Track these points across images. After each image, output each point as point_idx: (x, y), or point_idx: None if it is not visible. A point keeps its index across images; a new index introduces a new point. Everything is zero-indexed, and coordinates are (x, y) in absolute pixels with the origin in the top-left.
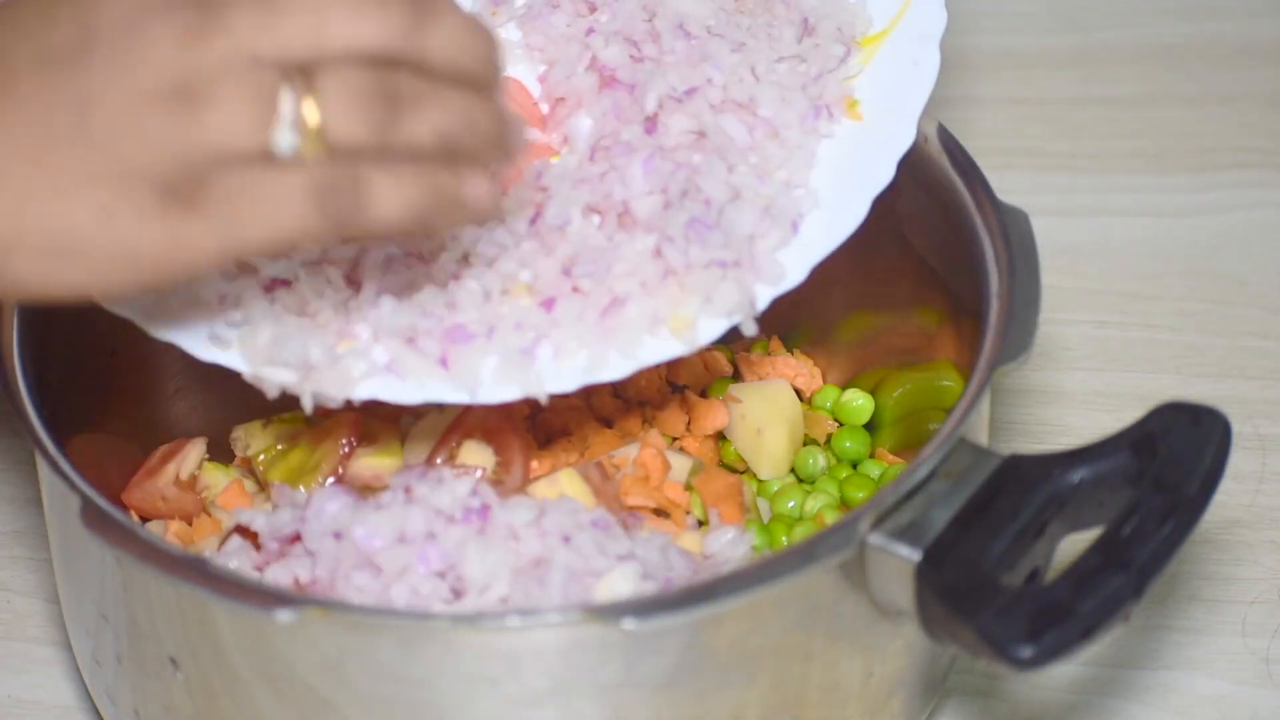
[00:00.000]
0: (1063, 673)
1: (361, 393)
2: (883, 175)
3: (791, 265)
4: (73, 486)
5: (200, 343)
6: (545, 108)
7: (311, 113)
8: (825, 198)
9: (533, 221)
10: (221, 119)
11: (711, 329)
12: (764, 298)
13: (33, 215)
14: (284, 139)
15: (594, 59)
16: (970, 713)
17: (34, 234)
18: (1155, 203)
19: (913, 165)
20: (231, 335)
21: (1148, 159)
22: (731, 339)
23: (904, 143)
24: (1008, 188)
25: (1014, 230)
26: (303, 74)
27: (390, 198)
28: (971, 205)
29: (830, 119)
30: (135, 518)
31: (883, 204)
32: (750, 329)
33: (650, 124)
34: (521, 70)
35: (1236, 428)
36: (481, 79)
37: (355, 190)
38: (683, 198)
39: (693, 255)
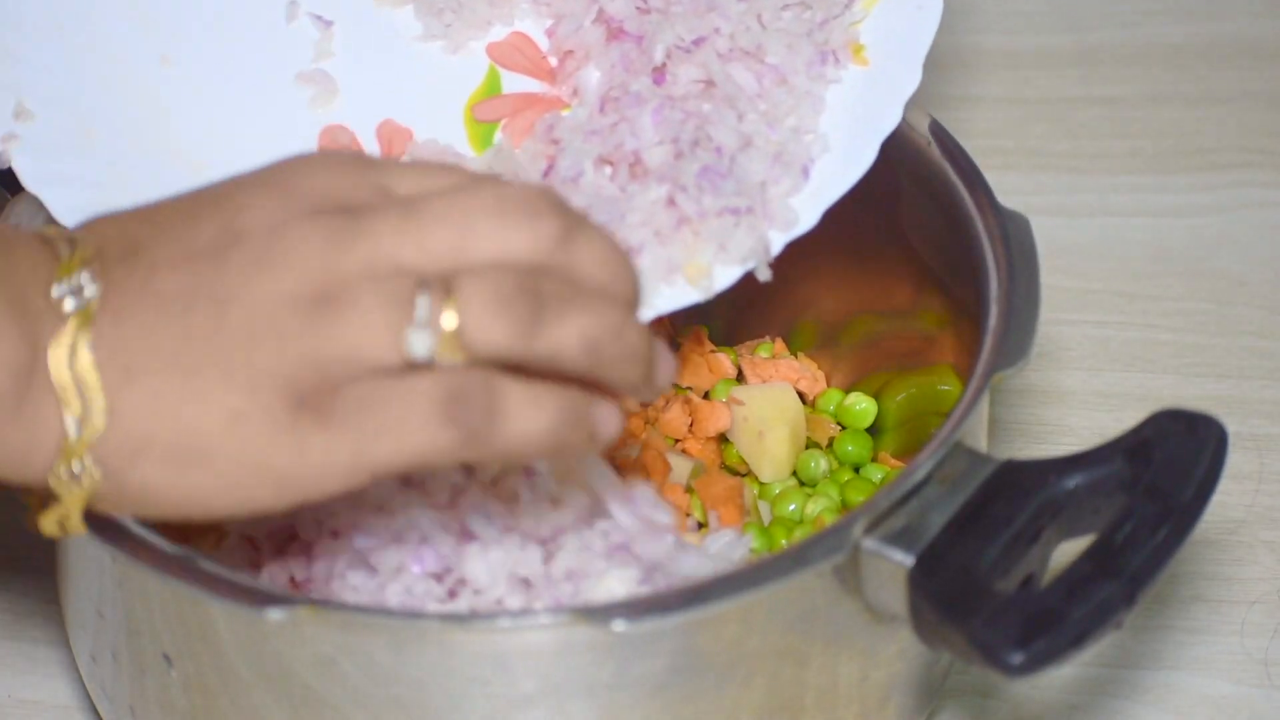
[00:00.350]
0: (1063, 673)
1: None
2: (889, 118)
3: (803, 210)
4: None
5: None
6: (554, 61)
7: (450, 318)
8: (834, 142)
9: (545, 174)
10: (357, 324)
11: (727, 276)
12: (777, 243)
13: (164, 417)
14: (419, 342)
15: (601, 11)
16: (971, 713)
17: (164, 436)
18: (1155, 203)
19: (914, 168)
20: None
21: (1148, 159)
22: (737, 340)
23: (909, 86)
24: (1008, 188)
25: (1014, 235)
26: (442, 282)
27: (526, 414)
28: (973, 209)
29: (837, 65)
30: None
31: (885, 207)
32: (764, 274)
33: (659, 74)
34: (529, 25)
35: (1236, 428)
36: (626, 299)
37: (488, 405)
38: (694, 147)
39: (705, 203)
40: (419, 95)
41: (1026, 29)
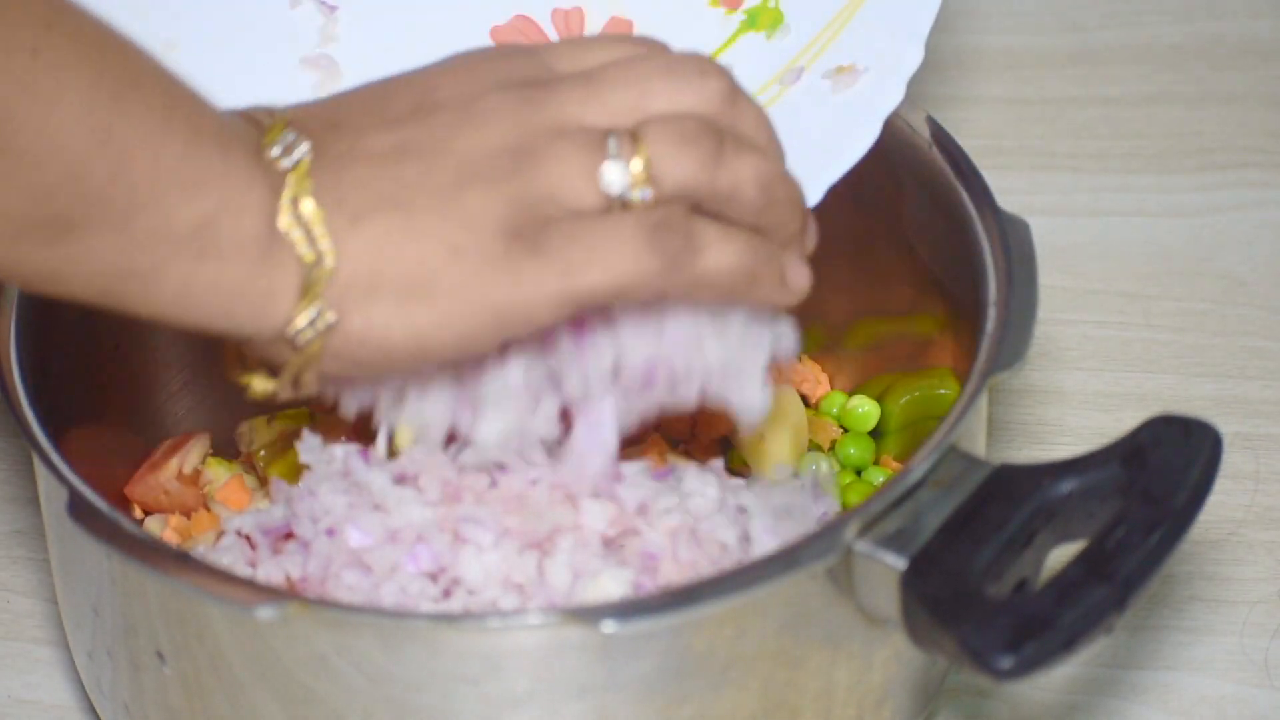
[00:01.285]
0: (1062, 673)
1: None
2: (892, 96)
3: (807, 188)
4: (61, 479)
5: None
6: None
7: (638, 161)
8: (838, 120)
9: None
10: (557, 168)
11: None
12: None
13: (391, 255)
14: (614, 176)
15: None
16: (969, 713)
17: (392, 274)
18: (1155, 203)
19: (916, 171)
20: None
21: (1148, 159)
22: None
23: (912, 63)
24: (1007, 188)
25: (1014, 239)
26: (628, 131)
27: (721, 248)
28: (973, 212)
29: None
30: (138, 512)
31: (886, 209)
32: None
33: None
34: (532, 6)
35: (1235, 428)
36: (780, 157)
37: (688, 234)
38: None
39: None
40: None
41: (1026, 29)
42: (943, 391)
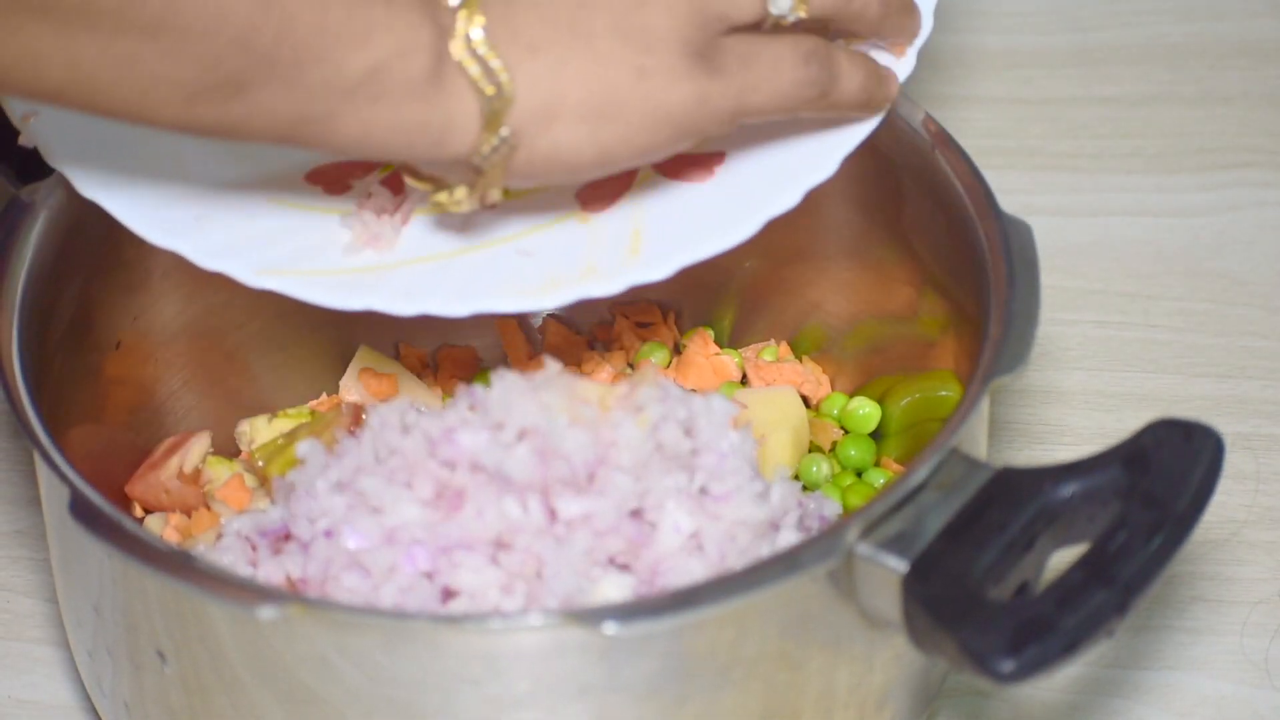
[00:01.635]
0: (1064, 673)
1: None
2: (903, 67)
3: (823, 159)
4: (63, 479)
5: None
6: None
7: None
8: None
9: None
10: None
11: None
12: (799, 192)
13: (573, 80)
14: (784, 2)
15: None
16: (970, 713)
17: (576, 98)
18: (1155, 203)
19: (917, 171)
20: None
21: (1148, 159)
22: (741, 344)
23: (923, 33)
24: (1008, 188)
25: (1016, 242)
26: None
27: (852, 75)
28: (974, 213)
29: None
30: (139, 510)
31: (887, 209)
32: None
33: None
34: None
35: (1236, 428)
36: None
37: (831, 63)
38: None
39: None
40: None
41: (1026, 29)
42: (944, 393)
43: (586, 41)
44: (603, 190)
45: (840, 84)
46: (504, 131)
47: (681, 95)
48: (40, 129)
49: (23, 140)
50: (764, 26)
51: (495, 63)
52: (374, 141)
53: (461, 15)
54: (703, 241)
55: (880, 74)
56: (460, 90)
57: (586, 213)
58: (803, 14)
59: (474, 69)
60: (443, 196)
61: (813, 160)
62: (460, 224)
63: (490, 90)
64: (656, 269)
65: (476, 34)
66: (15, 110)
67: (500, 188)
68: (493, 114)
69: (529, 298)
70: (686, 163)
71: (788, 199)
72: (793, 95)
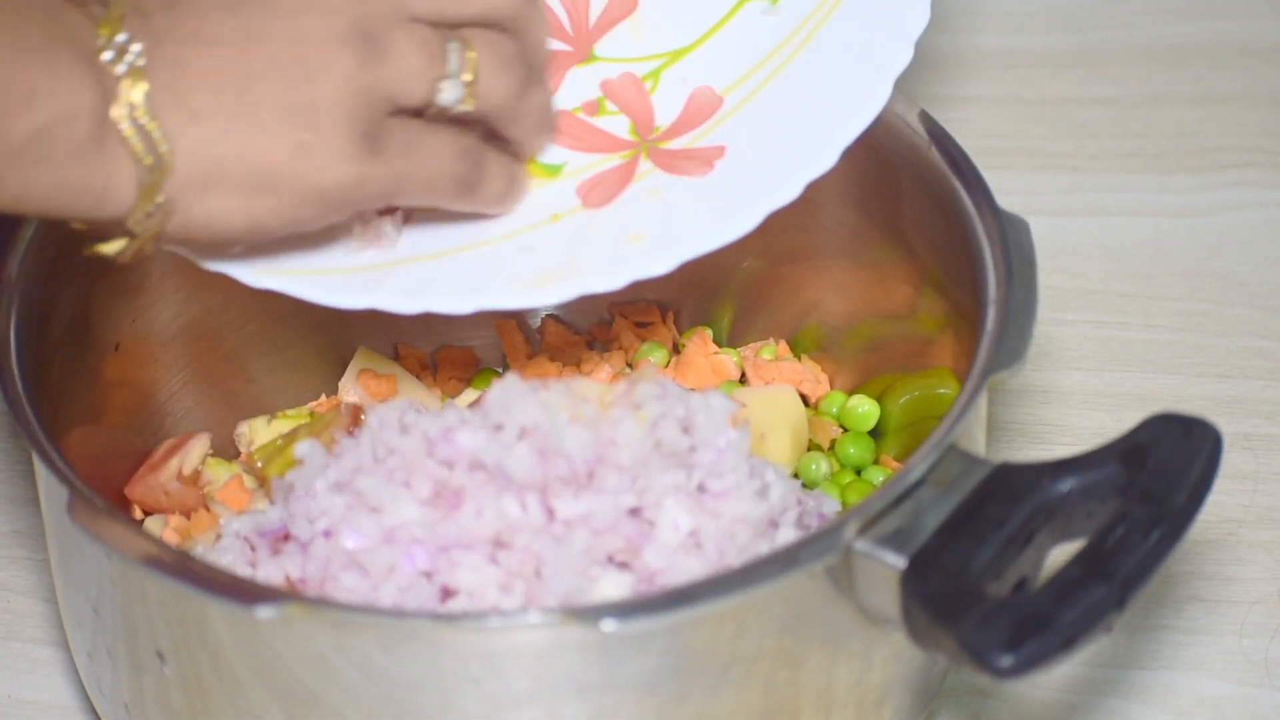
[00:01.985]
0: (1062, 673)
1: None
2: (900, 57)
3: (823, 151)
4: (62, 479)
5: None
6: (564, 17)
7: (468, 73)
8: (845, 79)
9: None
10: (402, 64)
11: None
12: (800, 183)
13: (234, 151)
14: (451, 91)
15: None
16: (970, 713)
17: (235, 170)
18: (1155, 203)
19: (915, 171)
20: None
21: (1148, 159)
22: (740, 342)
23: (919, 24)
24: (1007, 188)
25: (1014, 239)
26: (460, 38)
27: (498, 177)
28: (973, 212)
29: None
30: (138, 511)
31: (886, 209)
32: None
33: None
34: None
35: (1235, 428)
36: (545, 65)
37: (482, 163)
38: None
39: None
40: None
41: (1026, 29)
42: (942, 391)
43: (251, 112)
44: (603, 186)
45: (485, 185)
46: (159, 199)
47: (339, 175)
48: None
49: None
50: (428, 113)
51: (156, 132)
52: (33, 201)
53: (125, 82)
54: (704, 235)
55: (519, 179)
56: (120, 156)
57: (587, 208)
58: (470, 108)
59: (134, 139)
60: (102, 247)
61: (813, 152)
62: (460, 222)
63: (149, 160)
64: (658, 263)
65: (139, 100)
66: None
67: (155, 245)
68: (150, 183)
69: (531, 293)
70: (686, 157)
71: (788, 191)
72: (443, 189)
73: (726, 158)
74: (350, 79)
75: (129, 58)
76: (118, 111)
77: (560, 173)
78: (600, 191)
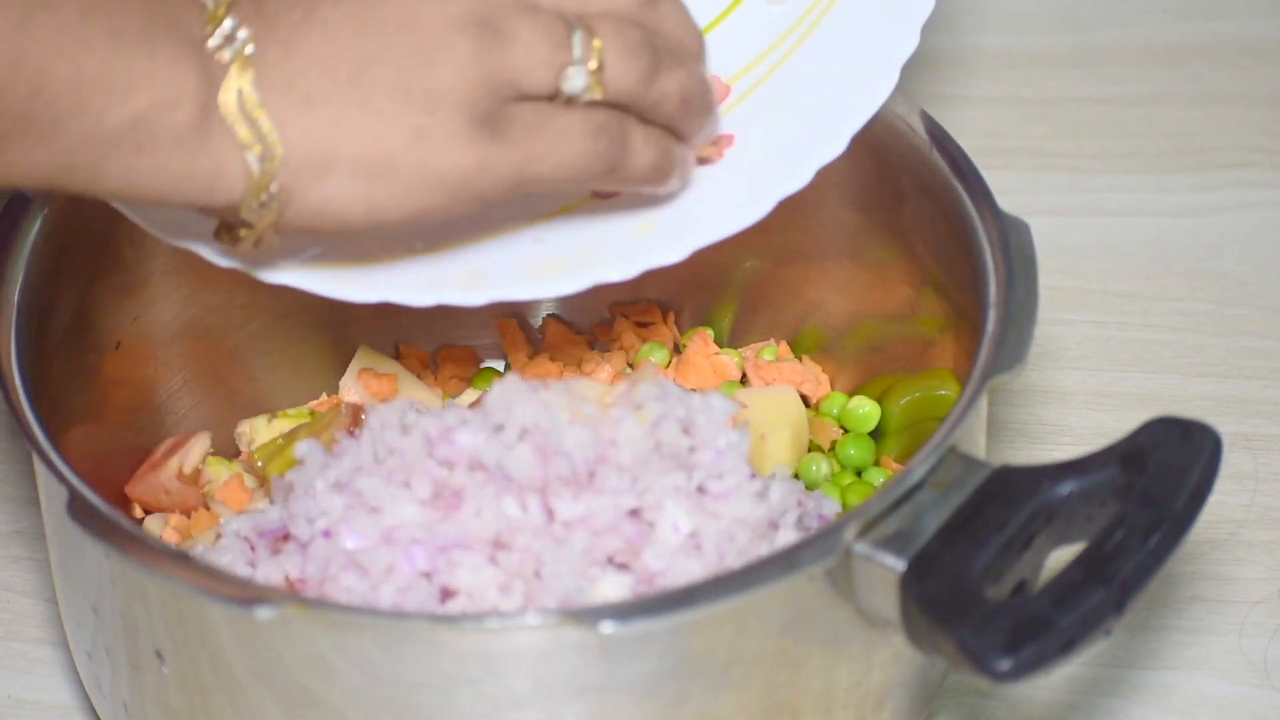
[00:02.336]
0: (1062, 673)
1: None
2: (907, 42)
3: (832, 137)
4: (61, 479)
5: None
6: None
7: (594, 60)
8: (853, 65)
9: None
10: (524, 51)
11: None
12: (809, 172)
13: (348, 136)
14: (577, 78)
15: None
16: (970, 713)
17: (349, 154)
18: (1155, 203)
19: (916, 171)
20: None
21: (1148, 159)
22: (741, 343)
23: (924, 9)
24: (1007, 188)
25: (1015, 241)
26: (585, 25)
27: (645, 152)
28: (973, 213)
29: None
30: (139, 511)
31: (886, 209)
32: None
33: None
34: None
35: (1235, 428)
36: (698, 55)
37: (623, 138)
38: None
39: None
40: None
41: (1026, 29)
42: (943, 392)
43: (366, 97)
44: None
45: (630, 160)
46: (273, 188)
47: (460, 160)
48: None
49: None
50: (558, 100)
51: (264, 121)
52: (140, 190)
53: (234, 68)
54: (716, 223)
55: (674, 153)
56: (227, 144)
57: (597, 199)
58: (598, 95)
59: (240, 126)
60: (224, 236)
61: (822, 138)
62: (471, 215)
63: (258, 150)
64: (671, 252)
65: (247, 87)
66: None
67: (275, 234)
68: (262, 172)
69: (545, 284)
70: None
71: (800, 178)
72: (580, 167)
73: (736, 146)
74: (469, 65)
75: (236, 44)
76: (224, 98)
77: None
78: None
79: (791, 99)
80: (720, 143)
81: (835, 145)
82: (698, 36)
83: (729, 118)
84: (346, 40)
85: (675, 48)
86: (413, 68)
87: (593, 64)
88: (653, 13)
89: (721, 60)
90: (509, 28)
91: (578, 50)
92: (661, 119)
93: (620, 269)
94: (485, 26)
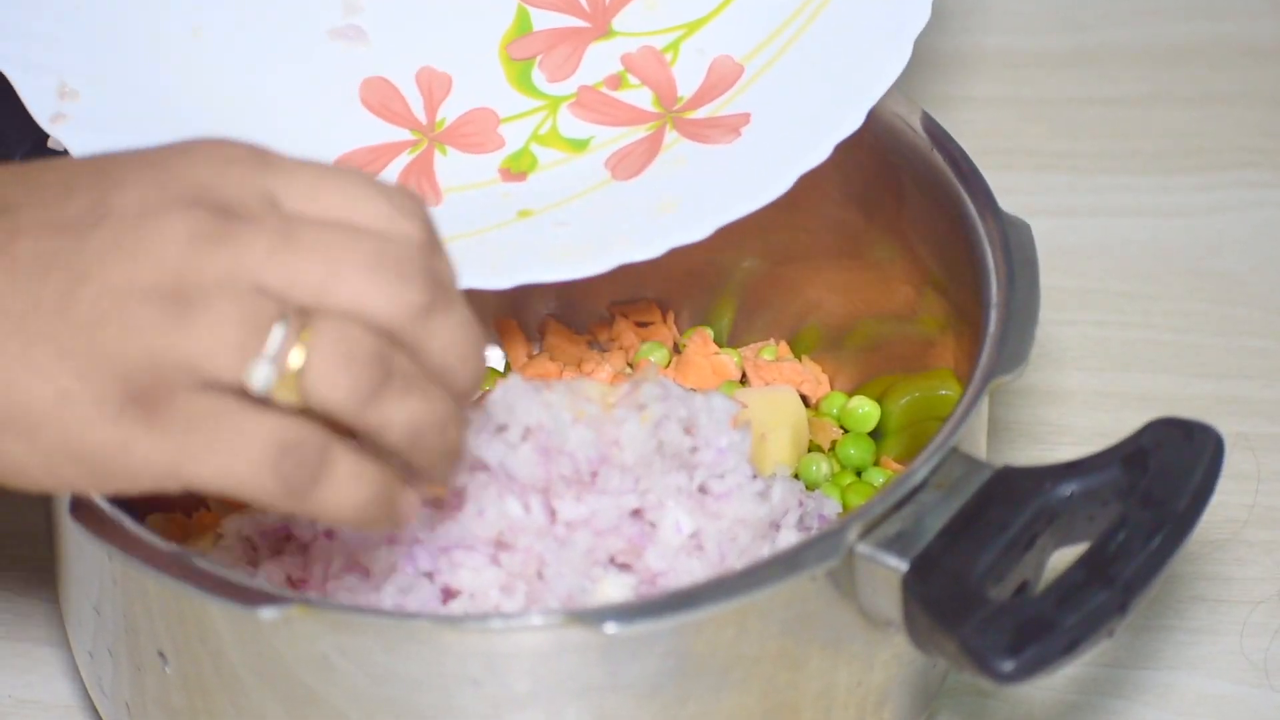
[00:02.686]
0: (1063, 673)
1: None
2: (919, 15)
3: (848, 111)
4: None
5: None
6: None
7: (297, 356)
8: (866, 39)
9: None
10: (207, 333)
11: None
12: (824, 150)
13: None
14: (261, 373)
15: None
16: (970, 713)
17: None
18: (1155, 203)
19: (916, 171)
20: None
21: (1148, 159)
22: (741, 342)
23: (918, 25)
24: (1007, 188)
25: (1016, 241)
26: (300, 317)
27: (346, 488)
28: (974, 213)
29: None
30: (140, 510)
31: (886, 209)
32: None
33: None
34: None
35: (1235, 428)
36: (463, 389)
37: (318, 464)
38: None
39: None
40: (453, 40)
41: (1026, 29)
42: (943, 392)
43: (26, 345)
44: (631, 158)
45: (322, 493)
46: None
47: (100, 436)
48: (70, 132)
49: (51, 143)
50: (250, 398)
51: None
52: None
53: None
54: (737, 200)
55: (392, 496)
56: None
57: (617, 180)
58: (292, 401)
59: None
60: None
61: (838, 113)
62: (489, 200)
63: None
64: (694, 230)
65: None
66: (44, 111)
67: None
68: None
69: (570, 266)
70: (712, 126)
71: (818, 153)
72: (250, 483)
73: (752, 124)
74: (141, 335)
75: None
76: None
77: (588, 147)
78: (629, 163)
79: (804, 76)
80: (737, 121)
81: (852, 120)
82: (471, 368)
83: (743, 96)
84: (27, 282)
85: (430, 373)
86: (81, 327)
87: (293, 362)
88: (421, 327)
89: (733, 41)
90: (204, 303)
91: (274, 344)
92: (385, 444)
93: (645, 248)
94: (176, 298)
